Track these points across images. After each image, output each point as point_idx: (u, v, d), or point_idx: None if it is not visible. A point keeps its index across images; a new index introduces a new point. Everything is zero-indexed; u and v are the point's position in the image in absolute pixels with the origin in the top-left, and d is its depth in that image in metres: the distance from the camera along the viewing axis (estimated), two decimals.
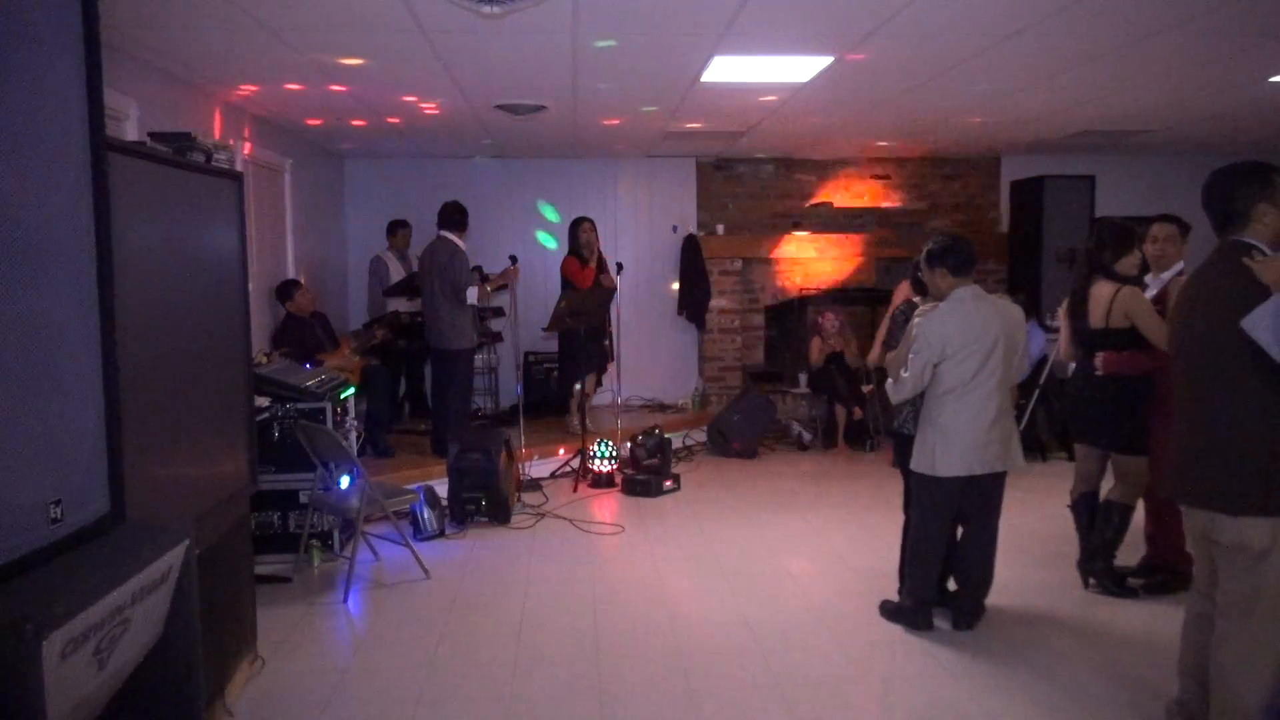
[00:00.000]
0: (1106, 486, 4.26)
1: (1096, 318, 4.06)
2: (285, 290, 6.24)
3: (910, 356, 3.75)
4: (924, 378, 3.74)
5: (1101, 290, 4.05)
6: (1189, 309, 2.74)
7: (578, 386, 7.00)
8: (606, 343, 7.14)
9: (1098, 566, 4.22)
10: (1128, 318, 3.96)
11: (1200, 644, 2.79)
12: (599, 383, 7.43)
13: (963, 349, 3.67)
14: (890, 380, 3.91)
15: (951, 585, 4.04)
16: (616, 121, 6.50)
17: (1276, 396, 2.48)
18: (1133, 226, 4.18)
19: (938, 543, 3.88)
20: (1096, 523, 4.21)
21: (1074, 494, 4.38)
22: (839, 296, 8.59)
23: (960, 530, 3.96)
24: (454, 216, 6.38)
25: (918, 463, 3.81)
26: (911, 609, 3.91)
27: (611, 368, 7.49)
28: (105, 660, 1.71)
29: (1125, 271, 4.09)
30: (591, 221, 7.13)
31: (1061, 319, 4.42)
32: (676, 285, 8.72)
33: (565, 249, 7.27)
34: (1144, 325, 3.92)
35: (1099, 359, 4.06)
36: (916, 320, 3.80)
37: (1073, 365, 4.43)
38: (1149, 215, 4.51)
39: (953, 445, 3.71)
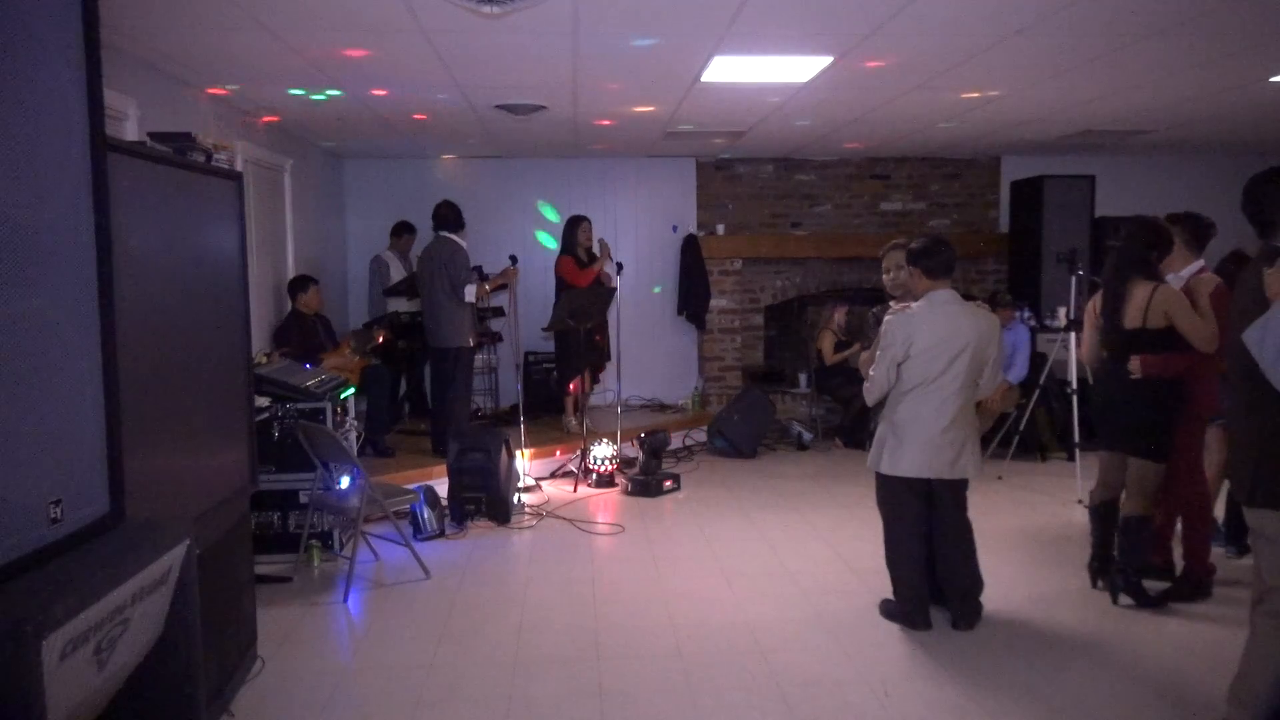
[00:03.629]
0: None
1: (1132, 317, 3.92)
2: (300, 284, 6.22)
3: (877, 355, 3.77)
4: (890, 376, 3.75)
5: (1139, 289, 3.92)
6: (1232, 311, 2.78)
7: (571, 388, 7.02)
8: (598, 338, 7.12)
9: (1130, 580, 4.08)
10: (1167, 317, 3.83)
11: None
12: (595, 380, 7.41)
13: (927, 350, 3.67)
14: (865, 382, 3.92)
15: None
16: (616, 122, 6.50)
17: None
18: (1167, 225, 4.12)
19: (907, 541, 3.89)
20: (1123, 541, 4.07)
21: (1094, 498, 4.29)
22: (838, 297, 8.59)
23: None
24: (449, 217, 6.38)
25: (872, 460, 3.86)
26: (904, 608, 3.92)
27: (611, 367, 7.49)
28: (105, 660, 1.71)
29: (1165, 270, 4.05)
30: (589, 221, 7.13)
31: (1087, 319, 4.29)
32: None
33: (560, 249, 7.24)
34: (1184, 324, 3.80)
35: (1134, 362, 3.92)
36: (888, 319, 3.82)
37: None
38: (1152, 214, 4.46)
39: (903, 444, 3.73)
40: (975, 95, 5.60)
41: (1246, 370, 2.54)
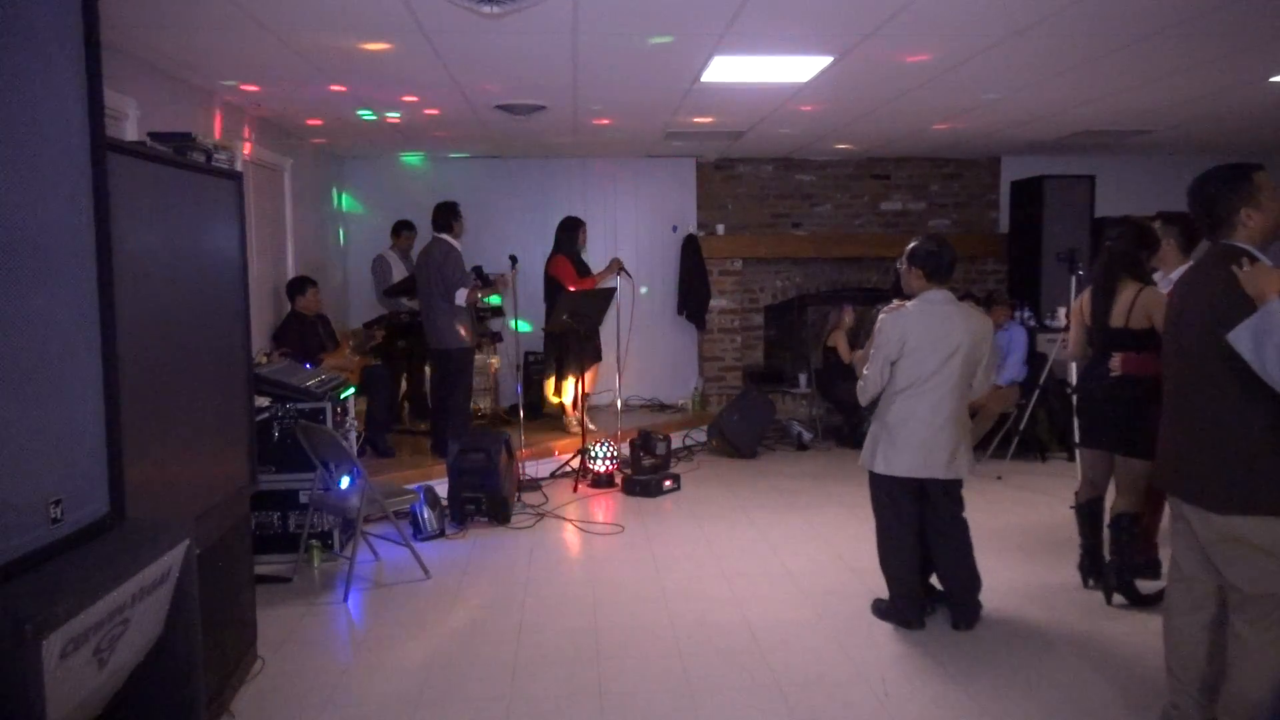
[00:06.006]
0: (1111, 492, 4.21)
1: (1117, 317, 4.00)
2: (298, 285, 6.22)
3: (870, 353, 3.77)
4: (884, 375, 3.75)
5: (1126, 289, 4.00)
6: (1180, 311, 2.76)
7: (567, 387, 7.02)
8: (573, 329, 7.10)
9: (1124, 580, 4.09)
10: (1149, 318, 3.90)
11: (1198, 642, 2.77)
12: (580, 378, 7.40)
13: (920, 349, 3.68)
14: (859, 381, 3.92)
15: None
16: (616, 121, 6.50)
17: (1265, 400, 2.47)
18: (1154, 228, 4.18)
19: (900, 540, 3.89)
20: (1114, 539, 4.10)
21: (1079, 497, 4.33)
22: (838, 297, 8.59)
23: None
24: (443, 217, 6.38)
25: (864, 459, 3.86)
26: (897, 607, 3.92)
27: (612, 367, 7.48)
28: (105, 660, 1.71)
29: (1150, 270, 4.11)
30: (585, 225, 7.15)
31: (1074, 317, 4.35)
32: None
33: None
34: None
35: (1115, 360, 3.99)
36: (881, 318, 3.82)
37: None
38: (1147, 214, 4.50)
39: (896, 443, 3.73)
40: (975, 95, 5.59)
41: (1234, 370, 2.48)
